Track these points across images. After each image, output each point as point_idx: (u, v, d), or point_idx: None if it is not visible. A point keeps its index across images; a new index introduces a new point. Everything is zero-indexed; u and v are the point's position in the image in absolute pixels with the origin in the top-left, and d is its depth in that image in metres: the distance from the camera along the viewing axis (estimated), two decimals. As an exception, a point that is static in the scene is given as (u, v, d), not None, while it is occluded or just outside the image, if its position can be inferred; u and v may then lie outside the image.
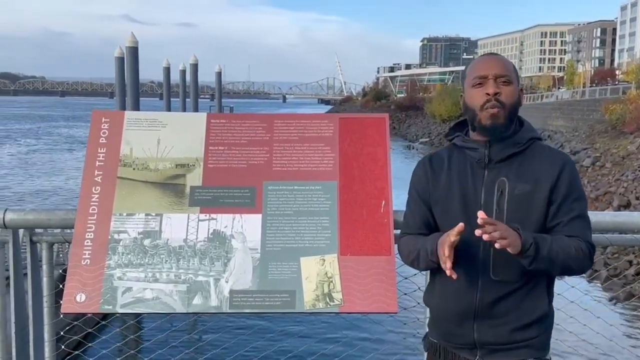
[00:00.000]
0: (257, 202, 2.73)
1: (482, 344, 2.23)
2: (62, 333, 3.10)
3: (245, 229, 2.69)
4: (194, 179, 2.78)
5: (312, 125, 2.89)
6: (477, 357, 2.25)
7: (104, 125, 2.88)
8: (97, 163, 2.80)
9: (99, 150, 2.83)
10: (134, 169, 2.80)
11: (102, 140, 2.85)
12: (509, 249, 1.99)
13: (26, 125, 79.62)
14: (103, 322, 3.58)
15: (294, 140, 2.85)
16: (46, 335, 2.91)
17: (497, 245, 1.98)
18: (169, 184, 2.77)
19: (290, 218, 2.70)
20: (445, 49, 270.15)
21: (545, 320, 2.23)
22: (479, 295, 2.20)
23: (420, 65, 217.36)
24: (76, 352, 3.35)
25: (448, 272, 2.04)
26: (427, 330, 2.46)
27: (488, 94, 2.18)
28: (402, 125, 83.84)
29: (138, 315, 3.99)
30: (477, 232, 1.97)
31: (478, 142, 2.26)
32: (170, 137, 2.86)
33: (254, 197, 2.74)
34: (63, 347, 3.19)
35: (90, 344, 3.80)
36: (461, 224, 2.04)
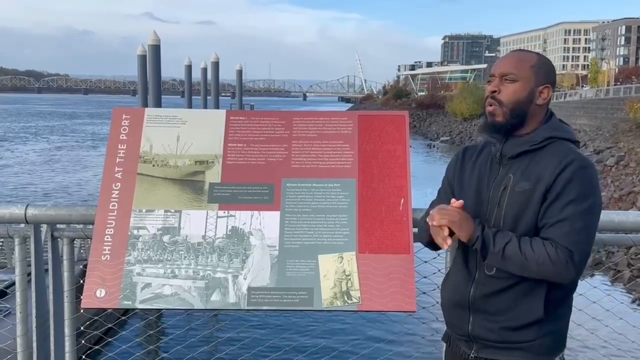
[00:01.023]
0: (276, 199, 2.73)
1: (476, 338, 2.25)
2: (82, 328, 3.13)
3: (264, 226, 2.69)
4: (213, 175, 2.78)
5: (331, 123, 2.88)
6: (473, 350, 2.27)
7: (125, 122, 2.90)
8: (118, 159, 2.82)
9: (119, 147, 2.85)
10: (153, 165, 2.81)
11: (123, 137, 2.87)
12: (458, 236, 2.14)
13: (52, 122, 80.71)
14: (123, 317, 3.60)
15: (313, 138, 2.85)
16: (66, 330, 2.94)
17: (433, 223, 2.17)
18: (188, 181, 2.78)
19: (308, 215, 2.70)
20: (467, 47, 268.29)
21: (545, 325, 2.16)
22: (474, 288, 2.24)
23: (442, 63, 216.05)
24: (96, 347, 3.36)
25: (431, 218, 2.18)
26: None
27: (489, 92, 2.24)
28: (423, 124, 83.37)
29: (158, 311, 4.01)
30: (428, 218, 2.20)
31: (497, 138, 2.27)
32: (189, 134, 2.86)
33: (273, 194, 2.74)
34: (83, 342, 3.23)
35: (110, 339, 3.82)
36: (460, 201, 2.18)
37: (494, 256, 2.09)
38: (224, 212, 2.72)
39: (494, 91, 2.20)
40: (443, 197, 2.44)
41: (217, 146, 2.84)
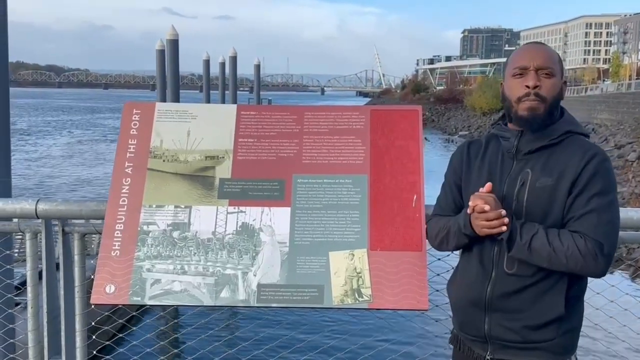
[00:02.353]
0: (286, 195, 2.70)
1: (493, 338, 2.19)
2: (92, 323, 3.12)
3: (274, 222, 2.66)
4: (223, 171, 2.76)
5: (342, 118, 2.84)
6: (488, 352, 2.20)
7: (135, 117, 2.88)
8: (128, 154, 2.81)
9: (130, 142, 2.83)
10: (163, 160, 2.79)
11: (133, 131, 2.85)
12: None
13: (73, 117, 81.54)
14: (133, 313, 3.60)
15: (324, 133, 2.81)
16: (77, 325, 2.93)
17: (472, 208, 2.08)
18: (198, 176, 2.75)
19: (319, 212, 2.66)
20: (487, 41, 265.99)
21: (564, 323, 2.12)
22: (491, 286, 2.17)
23: (461, 57, 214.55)
24: (107, 342, 3.36)
25: (474, 204, 2.07)
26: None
27: (527, 87, 2.12)
28: (442, 118, 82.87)
29: (167, 307, 4.01)
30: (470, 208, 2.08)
31: (512, 132, 2.21)
32: (200, 129, 2.84)
33: (283, 190, 2.71)
34: (94, 337, 3.22)
35: (121, 334, 3.82)
36: (489, 183, 2.10)
37: (520, 248, 2.03)
38: (234, 208, 2.69)
39: (537, 86, 2.11)
40: (448, 193, 2.38)
41: (228, 141, 2.81)
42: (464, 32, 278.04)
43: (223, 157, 2.78)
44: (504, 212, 2.03)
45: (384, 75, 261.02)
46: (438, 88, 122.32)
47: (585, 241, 2.00)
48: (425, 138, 60.84)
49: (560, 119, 2.19)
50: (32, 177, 30.01)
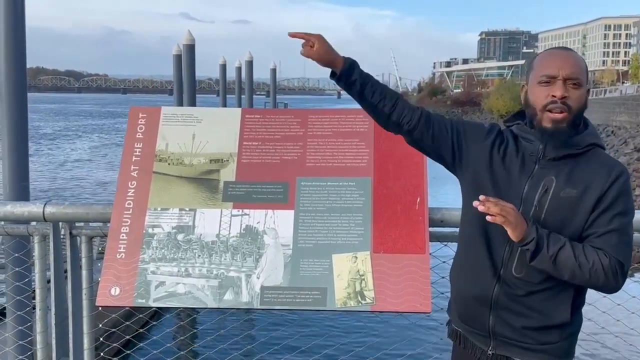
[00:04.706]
0: (290, 198, 2.71)
1: (497, 334, 2.16)
2: (100, 325, 3.15)
3: (278, 224, 2.67)
4: (228, 174, 2.78)
5: (346, 121, 2.84)
6: (490, 347, 2.18)
7: (141, 121, 2.91)
8: (134, 158, 2.83)
9: (136, 145, 2.86)
10: (169, 164, 2.81)
11: (139, 135, 2.88)
12: (510, 235, 1.98)
13: (95, 121, 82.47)
14: (139, 314, 3.63)
15: (328, 136, 2.81)
16: (85, 327, 2.96)
17: (489, 218, 1.96)
18: (203, 179, 2.78)
19: (322, 214, 2.67)
20: (504, 43, 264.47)
21: (567, 327, 2.13)
22: (498, 287, 2.14)
23: (478, 60, 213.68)
24: (115, 344, 3.39)
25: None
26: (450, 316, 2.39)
27: (554, 96, 2.06)
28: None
29: (184, 317, 4.03)
30: (475, 202, 1.97)
31: (536, 135, 2.14)
32: (205, 133, 2.86)
33: (287, 193, 2.72)
34: (102, 339, 3.25)
35: (123, 333, 3.85)
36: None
37: (545, 259, 2.00)
38: (238, 211, 2.71)
39: (565, 97, 2.05)
40: (447, 127, 2.25)
41: (233, 144, 2.83)
42: (481, 34, 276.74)
43: (227, 160, 2.80)
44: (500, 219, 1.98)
45: (400, 78, 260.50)
46: (455, 91, 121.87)
47: (609, 260, 2.00)
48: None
49: (585, 130, 2.15)
50: (57, 181, 30.55)
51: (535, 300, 2.10)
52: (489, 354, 2.20)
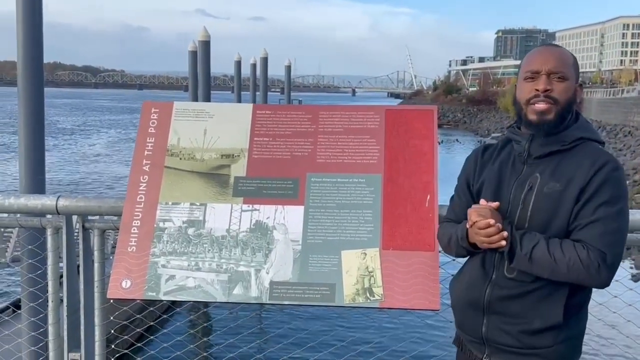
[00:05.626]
0: (300, 194, 2.72)
1: (490, 341, 2.17)
2: (112, 318, 3.18)
3: (287, 220, 2.68)
4: (239, 169, 2.79)
5: (357, 117, 2.84)
6: (485, 354, 2.18)
7: (153, 116, 2.93)
8: (146, 152, 2.85)
9: (148, 140, 2.88)
10: (180, 158, 2.83)
11: (151, 130, 2.90)
12: None
13: (113, 117, 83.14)
14: (151, 307, 3.66)
15: (339, 132, 2.82)
16: (96, 320, 2.99)
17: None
18: (213, 174, 2.79)
19: (332, 210, 2.67)
20: (521, 41, 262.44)
21: (562, 331, 2.08)
22: (490, 289, 2.15)
23: (495, 58, 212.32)
24: (125, 337, 3.42)
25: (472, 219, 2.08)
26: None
27: (537, 90, 2.10)
28: (474, 120, 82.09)
29: (197, 312, 4.06)
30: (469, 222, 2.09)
31: (523, 136, 2.19)
32: (216, 128, 2.88)
33: (297, 189, 2.73)
34: (115, 332, 3.29)
35: (137, 326, 3.88)
36: (496, 203, 2.09)
37: (521, 259, 2.01)
38: (249, 206, 2.72)
39: (548, 89, 2.10)
40: (462, 196, 2.36)
41: (243, 140, 2.84)
42: (498, 32, 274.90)
43: (238, 156, 2.81)
44: (501, 226, 2.02)
45: (415, 76, 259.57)
46: (470, 89, 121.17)
47: (588, 251, 1.96)
48: (457, 140, 60.35)
49: (573, 125, 2.15)
50: (74, 175, 30.97)
51: (528, 301, 2.09)
52: None
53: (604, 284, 2.00)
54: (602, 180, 2.00)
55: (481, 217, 2.04)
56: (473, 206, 2.13)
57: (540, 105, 2.09)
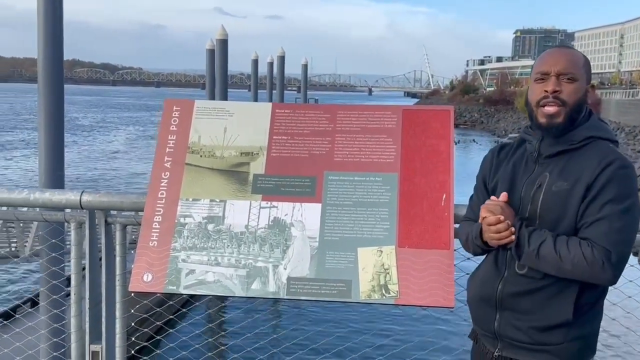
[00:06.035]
0: (317, 192, 2.76)
1: (502, 336, 2.21)
2: (132, 311, 3.25)
3: (305, 217, 2.73)
4: (257, 167, 2.84)
5: (374, 117, 2.88)
6: (497, 349, 2.22)
7: (175, 114, 2.99)
8: (167, 149, 2.92)
9: (169, 137, 2.94)
10: (201, 156, 2.89)
11: (173, 127, 2.96)
12: None
13: (131, 114, 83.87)
14: (171, 301, 3.74)
15: (356, 131, 2.86)
16: (117, 313, 3.06)
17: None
18: (233, 172, 2.85)
19: (349, 208, 2.72)
20: (540, 42, 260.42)
21: (572, 329, 2.10)
22: (502, 285, 2.20)
23: (513, 58, 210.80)
24: (144, 329, 3.49)
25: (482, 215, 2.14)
26: None
27: (546, 91, 2.13)
28: (491, 120, 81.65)
29: (213, 306, 4.11)
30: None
31: (535, 136, 2.23)
32: (236, 126, 2.93)
33: (315, 187, 2.77)
34: (135, 325, 3.36)
35: (156, 320, 3.95)
36: (504, 195, 2.16)
37: (529, 255, 2.05)
38: (267, 203, 2.77)
39: (557, 91, 2.12)
40: (480, 195, 2.41)
41: (262, 138, 2.89)
42: (516, 32, 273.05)
43: (257, 154, 2.87)
44: (510, 222, 2.06)
45: (432, 75, 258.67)
46: (488, 89, 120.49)
47: (592, 249, 1.98)
48: (474, 140, 60.06)
49: (584, 124, 2.17)
50: (93, 171, 31.34)
51: (538, 297, 2.13)
52: (495, 356, 2.24)
53: (609, 281, 2.03)
54: (608, 178, 2.02)
55: (490, 212, 2.09)
56: (485, 203, 2.17)
57: (549, 109, 2.13)
